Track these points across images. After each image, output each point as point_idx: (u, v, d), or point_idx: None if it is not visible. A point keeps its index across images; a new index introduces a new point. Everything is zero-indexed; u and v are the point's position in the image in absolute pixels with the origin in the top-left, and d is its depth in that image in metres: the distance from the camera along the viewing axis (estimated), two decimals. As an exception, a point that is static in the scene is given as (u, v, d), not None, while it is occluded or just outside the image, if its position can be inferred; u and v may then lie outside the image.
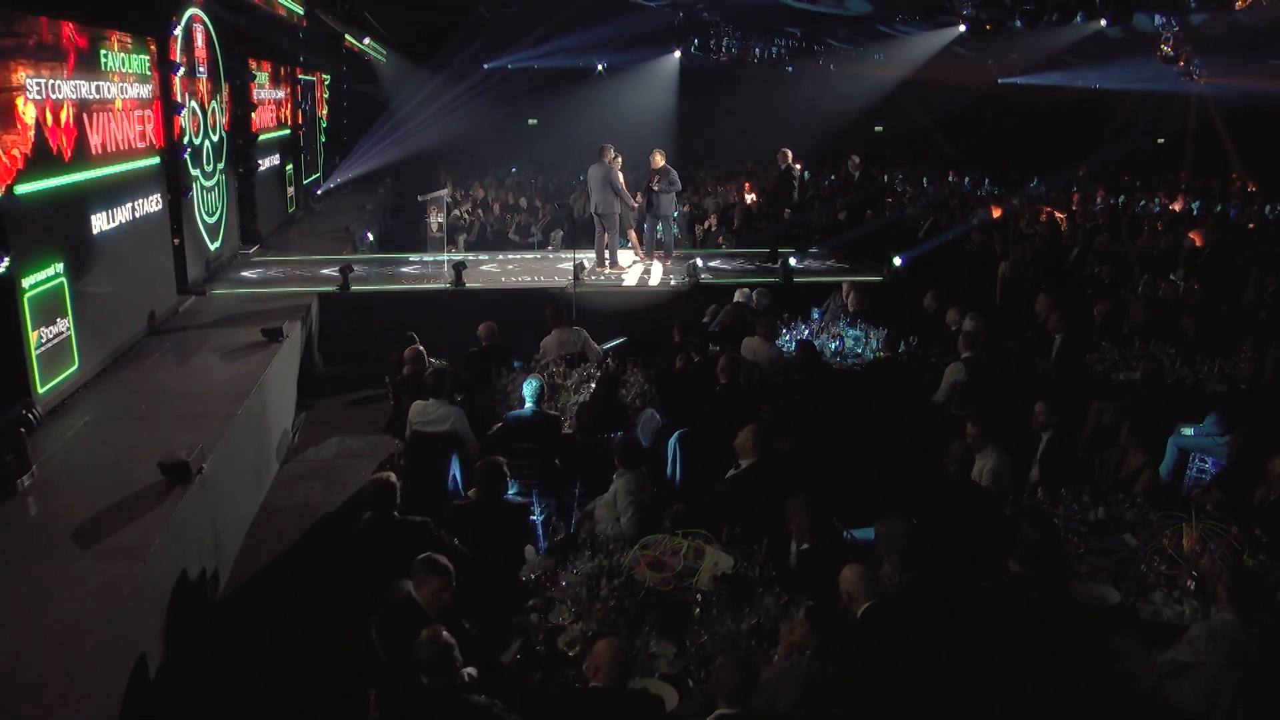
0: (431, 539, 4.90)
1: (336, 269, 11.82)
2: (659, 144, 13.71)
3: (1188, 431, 7.38)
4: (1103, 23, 15.75)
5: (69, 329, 7.57)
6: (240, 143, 13.89)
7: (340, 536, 5.53)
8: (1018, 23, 16.65)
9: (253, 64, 14.44)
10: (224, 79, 13.04)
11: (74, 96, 7.73)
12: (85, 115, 7.95)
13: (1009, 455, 6.40)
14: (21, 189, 6.74)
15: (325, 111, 22.05)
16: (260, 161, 14.91)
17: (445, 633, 3.76)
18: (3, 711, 3.77)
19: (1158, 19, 18.16)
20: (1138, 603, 4.95)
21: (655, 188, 12.51)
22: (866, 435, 7.62)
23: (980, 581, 4.83)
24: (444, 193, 13.74)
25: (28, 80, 6.90)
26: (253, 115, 14.39)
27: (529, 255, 14.66)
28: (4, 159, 6.50)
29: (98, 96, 8.25)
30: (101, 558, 5.09)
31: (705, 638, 4.31)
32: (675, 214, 13.79)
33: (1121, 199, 21.44)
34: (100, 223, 8.32)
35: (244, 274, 12.58)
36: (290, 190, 17.78)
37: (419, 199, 13.10)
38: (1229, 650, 4.20)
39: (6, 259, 6.30)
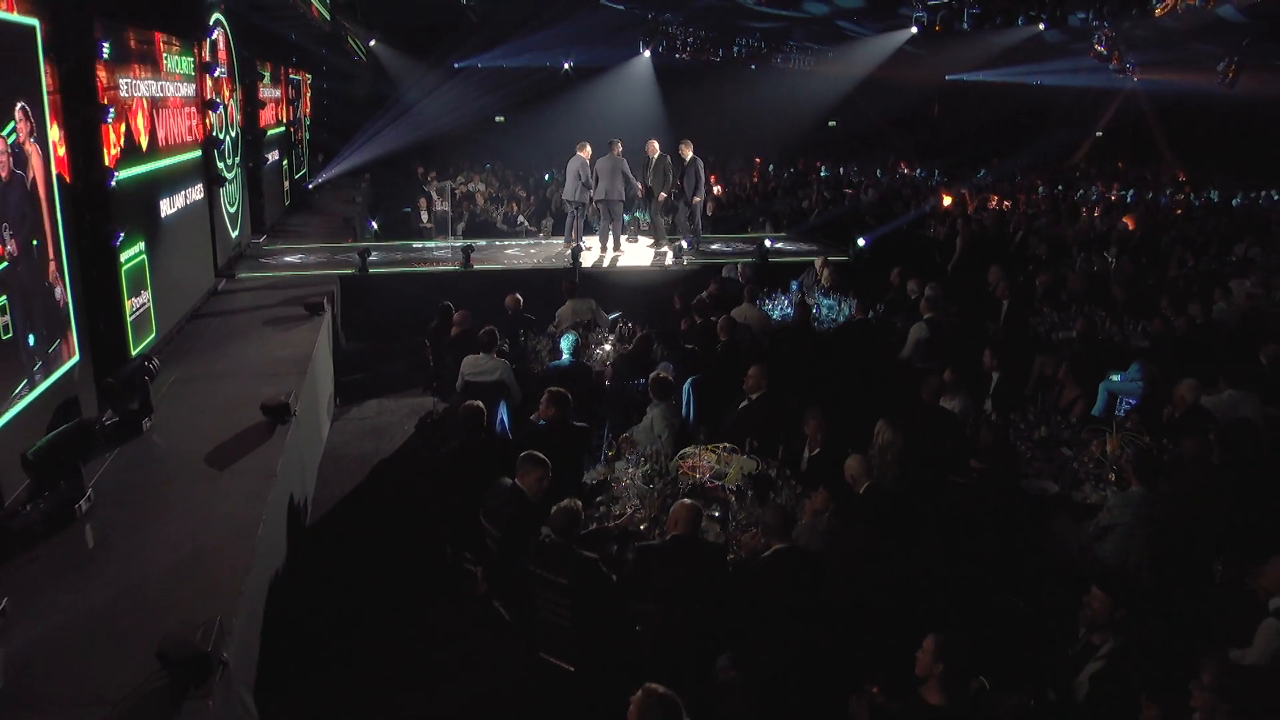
0: (512, 454, 6.05)
1: (349, 254, 12.84)
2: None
3: (1116, 378, 8.78)
4: (1041, 26, 17.23)
5: (149, 301, 8.59)
6: (250, 139, 14.83)
7: (440, 451, 6.64)
8: (964, 25, 18.10)
9: (259, 64, 15.36)
10: (238, 78, 13.98)
11: (147, 95, 8.74)
12: (155, 111, 8.96)
13: (972, 401, 7.75)
14: (120, 175, 7.75)
15: (309, 110, 22.95)
16: (266, 156, 15.86)
17: (579, 503, 4.97)
18: (220, 589, 4.83)
19: (1091, 22, 19.70)
20: (1072, 492, 6.30)
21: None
22: (844, 383, 8.88)
23: (950, 475, 6.13)
24: (447, 183, 14.75)
25: (121, 80, 7.91)
26: (260, 112, 15.34)
27: (524, 241, 15.77)
28: (111, 149, 7.51)
29: (162, 95, 9.25)
30: (238, 477, 6.19)
31: (742, 515, 5.56)
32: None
33: (1061, 188, 23.19)
34: (166, 207, 9.33)
35: (262, 260, 13.53)
36: (286, 184, 18.70)
37: (424, 188, 14.08)
38: (1137, 512, 5.54)
39: (121, 234, 7.33)
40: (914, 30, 19.66)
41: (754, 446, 6.36)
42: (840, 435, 6.30)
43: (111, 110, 7.21)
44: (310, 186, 20.90)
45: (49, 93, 6.38)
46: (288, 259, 13.64)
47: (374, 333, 12.19)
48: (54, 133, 6.47)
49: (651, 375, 7.18)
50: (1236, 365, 7.90)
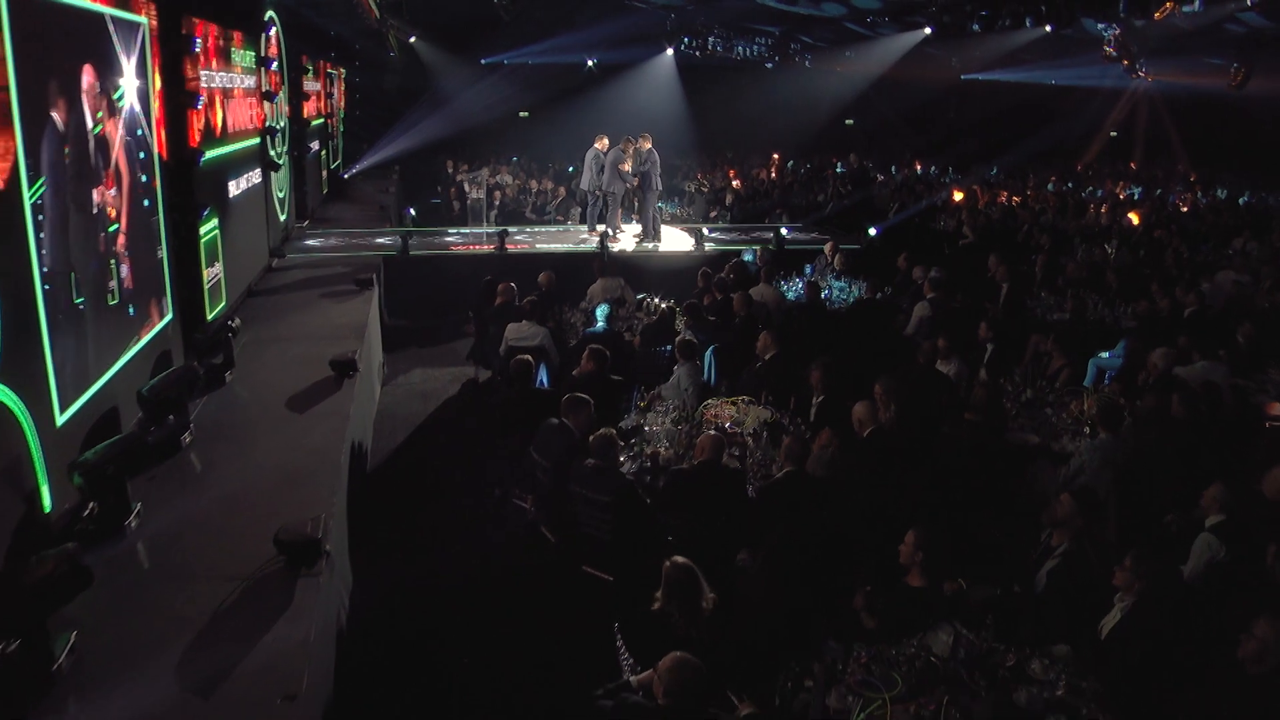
0: (557, 401, 6.89)
1: (390, 238, 13.70)
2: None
3: (1104, 355, 9.56)
4: (1047, 28, 17.93)
5: (221, 272, 9.46)
6: (296, 129, 15.73)
7: (494, 400, 7.52)
8: (975, 26, 18.81)
9: (304, 59, 16.27)
10: (286, 72, 14.87)
11: (220, 85, 9.62)
12: (225, 100, 9.84)
13: (967, 368, 8.54)
14: (204, 156, 8.62)
15: (343, 103, 23.88)
16: (309, 146, 16.77)
17: (612, 432, 5.80)
18: (315, 500, 5.69)
19: (1100, 25, 20.35)
20: (1051, 443, 7.09)
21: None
22: (851, 355, 9.67)
23: (944, 426, 6.93)
24: (482, 171, 15.59)
25: (203, 72, 8.78)
26: (304, 104, 16.24)
27: (553, 229, 16.65)
28: (196, 132, 8.39)
29: (231, 85, 10.13)
30: (316, 419, 7.07)
31: (759, 453, 6.39)
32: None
33: (1070, 185, 23.90)
34: (234, 188, 10.21)
35: (308, 242, 14.42)
36: (324, 174, 19.62)
37: (458, 179, 14.92)
38: (1104, 457, 6.32)
39: (207, 209, 8.22)
40: (928, 31, 20.37)
41: (768, 399, 7.19)
42: (841, 385, 7.10)
43: (202, 98, 8.09)
44: (346, 176, 21.84)
45: (154, 80, 7.26)
46: (332, 241, 14.52)
47: (415, 310, 13.07)
48: (155, 116, 7.35)
49: (678, 339, 8.01)
50: (1210, 339, 8.66)
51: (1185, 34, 22.31)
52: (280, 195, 13.99)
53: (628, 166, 13.94)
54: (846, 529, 5.41)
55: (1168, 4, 14.33)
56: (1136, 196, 22.96)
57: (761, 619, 4.50)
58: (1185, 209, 20.63)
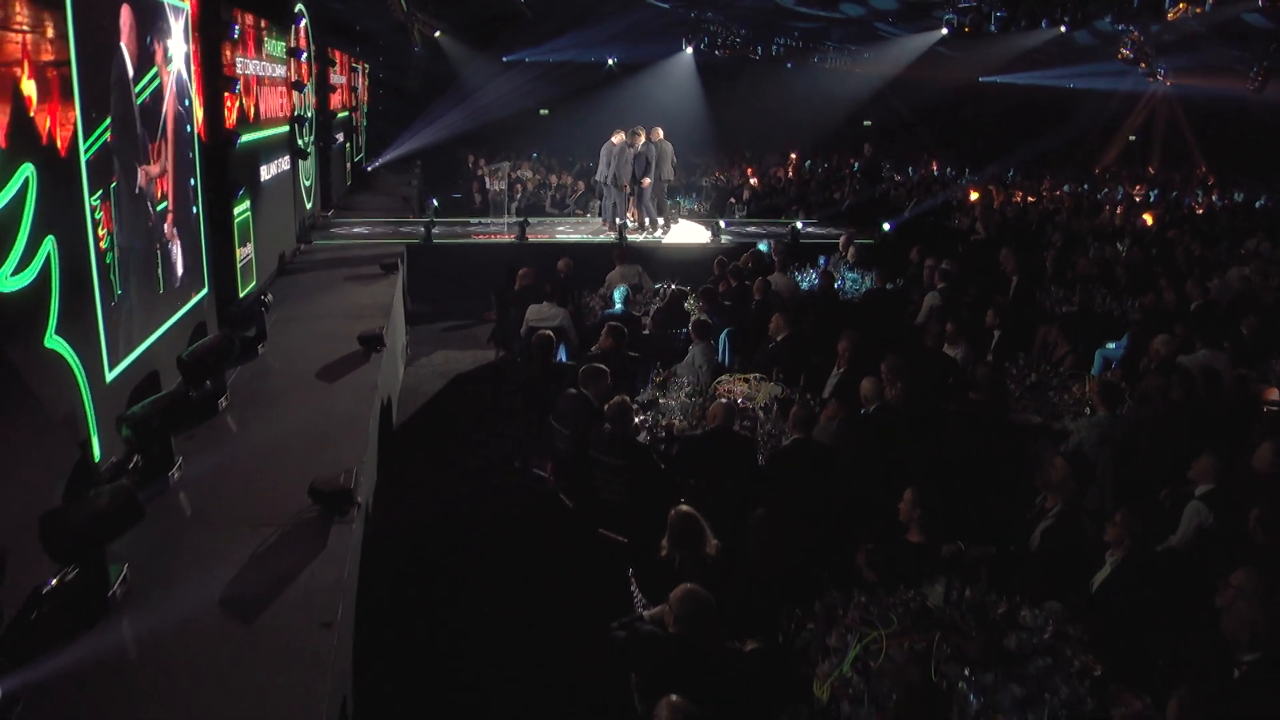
0: (576, 375, 7.17)
1: (413, 227, 14.02)
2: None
3: (1110, 346, 9.76)
4: (1062, 29, 18.14)
5: (252, 253, 9.80)
6: (322, 120, 16.08)
7: (515, 377, 7.85)
8: (992, 27, 19.01)
9: (331, 52, 16.63)
10: (314, 64, 15.23)
11: (254, 73, 9.96)
12: (259, 87, 10.18)
13: (973, 350, 8.77)
14: (240, 140, 8.95)
15: (366, 98, 24.27)
16: (335, 137, 17.13)
17: (627, 399, 6.08)
18: (345, 459, 5.99)
19: (1119, 26, 20.50)
20: (1052, 423, 7.32)
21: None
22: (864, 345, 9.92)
23: (949, 405, 7.17)
24: (504, 164, 15.91)
25: (237, 59, 9.12)
26: (330, 97, 16.60)
27: (573, 220, 16.96)
28: (231, 117, 8.72)
29: (264, 74, 10.48)
30: (346, 388, 7.40)
31: (769, 425, 6.65)
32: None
33: (1085, 186, 24.04)
34: (265, 173, 10.54)
35: (334, 230, 14.76)
36: (348, 165, 20.00)
37: (479, 173, 15.23)
38: (1102, 433, 6.55)
39: (242, 189, 8.54)
40: (944, 31, 20.58)
41: (779, 377, 7.46)
42: (864, 360, 7.37)
43: (238, 83, 8.42)
44: (369, 169, 22.23)
45: (194, 63, 7.60)
46: (357, 230, 14.87)
47: (438, 296, 13.38)
48: (195, 98, 7.69)
49: (693, 319, 8.29)
50: (1215, 332, 8.86)
51: (1201, 35, 22.40)
52: (307, 183, 14.34)
53: (631, 169, 14.33)
54: (850, 493, 5.67)
55: (1181, 4, 14.50)
56: (1153, 199, 23.08)
57: (765, 567, 4.76)
58: (1200, 211, 20.74)
